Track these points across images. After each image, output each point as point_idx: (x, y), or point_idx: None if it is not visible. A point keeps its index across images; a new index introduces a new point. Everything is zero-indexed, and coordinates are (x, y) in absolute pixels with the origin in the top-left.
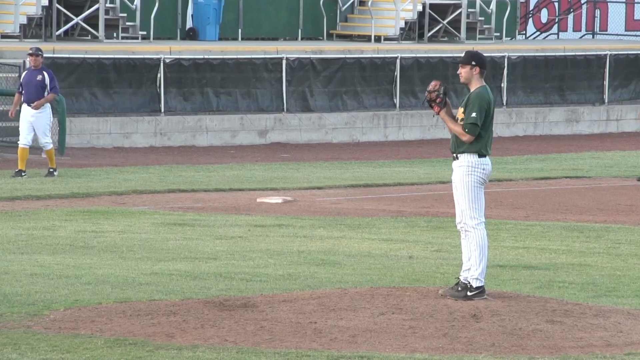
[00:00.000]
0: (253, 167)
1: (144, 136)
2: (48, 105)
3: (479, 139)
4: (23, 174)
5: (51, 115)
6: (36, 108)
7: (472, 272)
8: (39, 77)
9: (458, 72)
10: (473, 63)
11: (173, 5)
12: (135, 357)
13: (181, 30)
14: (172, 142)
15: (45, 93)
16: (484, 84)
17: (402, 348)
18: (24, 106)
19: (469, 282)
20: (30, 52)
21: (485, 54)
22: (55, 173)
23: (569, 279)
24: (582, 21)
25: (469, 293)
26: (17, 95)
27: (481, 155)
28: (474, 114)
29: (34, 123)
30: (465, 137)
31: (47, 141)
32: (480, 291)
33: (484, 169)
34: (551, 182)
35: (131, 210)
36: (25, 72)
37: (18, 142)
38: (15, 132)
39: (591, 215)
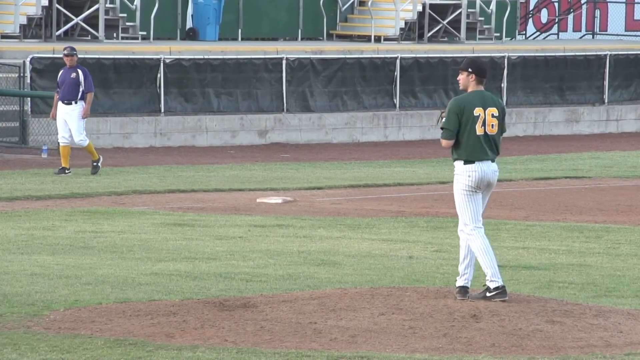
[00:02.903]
0: (253, 167)
1: (144, 136)
2: (82, 102)
3: (458, 145)
4: (67, 171)
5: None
6: (86, 116)
7: (487, 276)
8: (73, 75)
9: (457, 78)
10: (469, 70)
11: (173, 6)
12: (135, 357)
13: (181, 31)
14: (172, 142)
15: (80, 90)
16: (479, 89)
17: (402, 348)
18: (60, 104)
19: (488, 286)
20: (65, 52)
21: (485, 54)
22: (99, 165)
23: (569, 279)
24: (582, 21)
25: (488, 294)
26: (55, 95)
27: (467, 161)
28: (444, 119)
29: (67, 120)
30: (442, 144)
31: (82, 138)
32: (500, 292)
33: (469, 176)
34: (551, 182)
35: (131, 210)
36: (61, 71)
37: (58, 141)
38: (14, 132)
39: (591, 215)
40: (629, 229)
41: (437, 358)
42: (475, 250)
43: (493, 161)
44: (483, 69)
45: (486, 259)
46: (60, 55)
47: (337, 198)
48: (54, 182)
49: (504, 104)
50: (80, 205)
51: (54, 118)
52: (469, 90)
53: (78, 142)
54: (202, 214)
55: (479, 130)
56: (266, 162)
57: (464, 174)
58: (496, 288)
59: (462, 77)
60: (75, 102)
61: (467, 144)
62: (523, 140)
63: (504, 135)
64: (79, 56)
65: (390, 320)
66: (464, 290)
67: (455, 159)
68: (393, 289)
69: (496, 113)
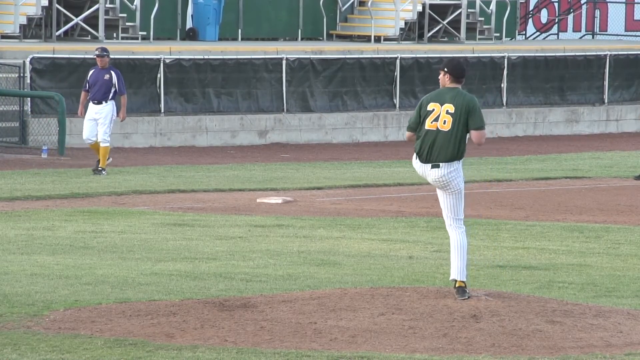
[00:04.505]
0: (253, 167)
1: (144, 136)
2: (112, 102)
3: (416, 138)
4: (108, 160)
5: (114, 113)
6: (123, 119)
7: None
8: (107, 77)
9: (438, 77)
10: (445, 70)
11: (173, 6)
12: (135, 357)
13: (181, 31)
14: (172, 142)
15: (112, 92)
16: (454, 87)
17: (402, 348)
18: (90, 104)
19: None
20: (97, 53)
21: (485, 54)
22: (104, 172)
23: (569, 279)
24: (582, 21)
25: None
26: (83, 93)
27: (416, 155)
28: None
29: (98, 120)
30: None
31: (106, 138)
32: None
33: (414, 165)
34: (551, 182)
35: (131, 210)
36: (93, 70)
37: (84, 139)
38: (14, 132)
39: (591, 215)
40: (629, 229)
41: (437, 358)
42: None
43: (438, 167)
44: (457, 69)
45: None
46: (61, 56)
47: (337, 198)
48: (54, 182)
49: (475, 103)
50: (80, 205)
51: (82, 115)
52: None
53: (101, 140)
54: (202, 214)
55: (429, 125)
56: (266, 162)
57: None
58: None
59: (440, 77)
60: (106, 102)
61: (418, 137)
62: (523, 140)
63: (502, 134)
64: (79, 56)
65: (390, 320)
66: (461, 290)
67: None
68: (393, 289)
69: (451, 110)
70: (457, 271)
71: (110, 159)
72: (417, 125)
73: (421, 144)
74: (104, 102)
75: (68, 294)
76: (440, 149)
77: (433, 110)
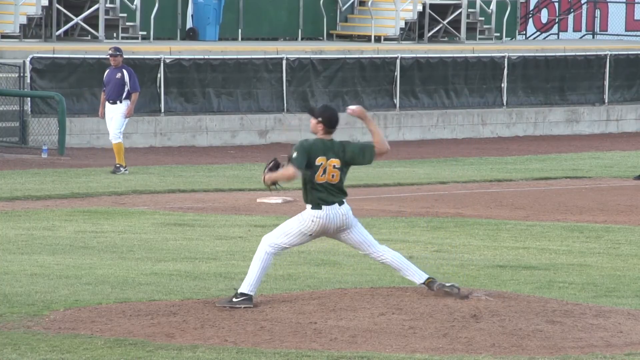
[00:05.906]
0: (253, 167)
1: (144, 136)
2: (126, 102)
3: (304, 189)
4: (123, 169)
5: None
6: (129, 115)
7: (245, 283)
8: (118, 75)
9: (310, 120)
10: (320, 119)
11: (173, 6)
12: (135, 357)
13: (181, 31)
14: (172, 142)
15: (125, 90)
16: (327, 138)
17: (402, 348)
18: (107, 104)
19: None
20: (110, 53)
21: (485, 54)
22: (121, 170)
23: (569, 279)
24: (582, 21)
25: (234, 299)
26: (102, 94)
27: (314, 207)
28: (294, 155)
29: (112, 117)
30: (290, 172)
31: (117, 135)
32: (247, 299)
33: (312, 221)
34: (551, 182)
35: (131, 210)
36: (107, 71)
37: (110, 139)
38: (14, 132)
39: (591, 215)
40: (629, 229)
41: (437, 358)
42: (256, 259)
43: (342, 204)
44: (333, 120)
45: (258, 271)
46: (61, 56)
47: None
48: (54, 182)
49: (348, 142)
50: (80, 205)
51: (103, 117)
52: (317, 136)
53: (112, 136)
54: (202, 214)
55: (320, 179)
56: (266, 162)
57: (309, 217)
58: (243, 294)
59: (312, 123)
60: (120, 102)
61: (311, 190)
62: (523, 140)
63: (502, 134)
64: (79, 56)
65: (390, 320)
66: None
67: (305, 201)
68: (393, 289)
69: (338, 164)
70: (416, 276)
71: (127, 170)
72: (305, 165)
73: (318, 195)
74: (118, 102)
75: (68, 294)
76: (337, 193)
77: (321, 164)
